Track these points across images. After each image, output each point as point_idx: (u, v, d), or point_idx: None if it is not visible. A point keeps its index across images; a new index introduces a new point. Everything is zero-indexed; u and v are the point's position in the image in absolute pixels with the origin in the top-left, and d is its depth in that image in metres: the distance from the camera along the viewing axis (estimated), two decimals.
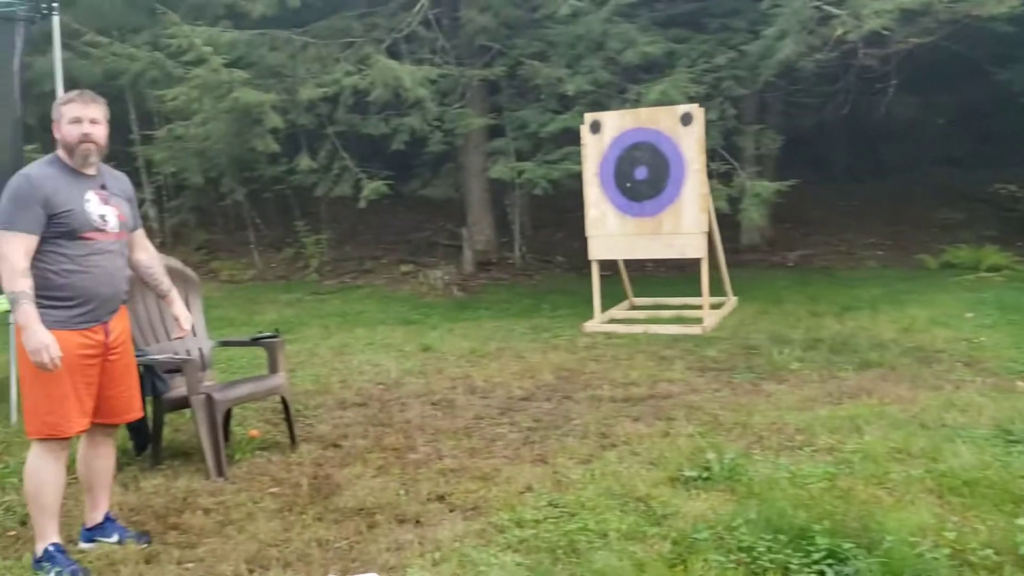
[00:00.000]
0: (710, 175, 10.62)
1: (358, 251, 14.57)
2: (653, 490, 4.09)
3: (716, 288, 9.70)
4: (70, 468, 3.76)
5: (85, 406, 3.57)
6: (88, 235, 3.51)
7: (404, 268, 13.44)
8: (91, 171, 3.60)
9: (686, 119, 8.64)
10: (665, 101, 10.08)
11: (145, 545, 3.73)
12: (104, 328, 3.61)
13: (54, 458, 3.54)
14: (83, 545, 3.78)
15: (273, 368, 5.17)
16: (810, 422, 5.14)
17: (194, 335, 5.15)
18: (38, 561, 3.51)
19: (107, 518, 3.84)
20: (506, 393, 6.26)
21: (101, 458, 3.81)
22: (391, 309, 11.16)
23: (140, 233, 3.91)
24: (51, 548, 3.53)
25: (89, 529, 3.82)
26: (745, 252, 13.65)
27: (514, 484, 4.26)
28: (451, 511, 3.99)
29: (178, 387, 4.81)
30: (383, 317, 10.58)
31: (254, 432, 5.39)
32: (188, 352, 5.03)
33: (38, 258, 3.44)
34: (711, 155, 11.05)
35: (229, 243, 15.13)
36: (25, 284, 3.36)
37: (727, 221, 11.84)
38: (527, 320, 9.76)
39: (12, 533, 3.92)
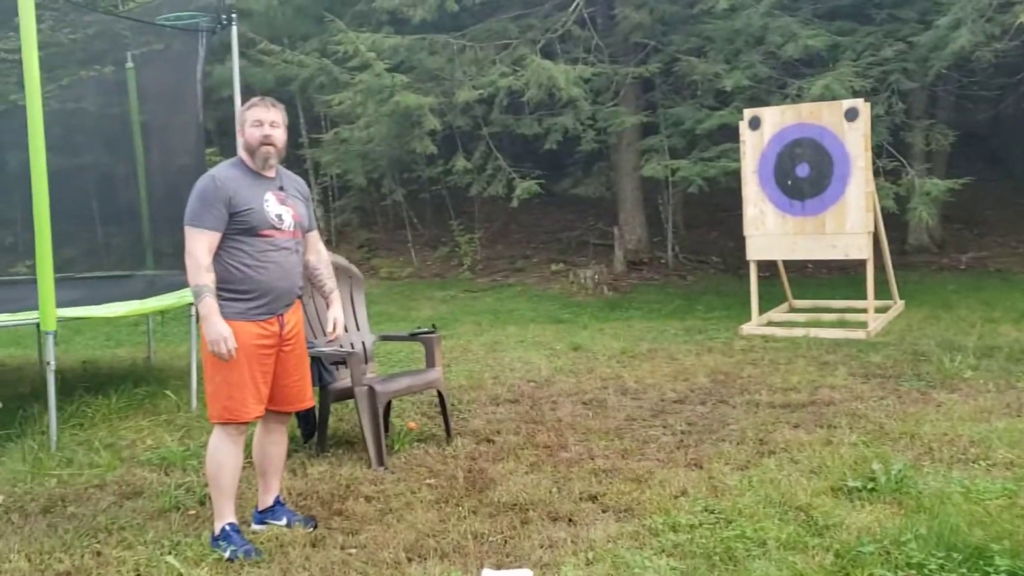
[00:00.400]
0: (876, 172, 10.17)
1: (510, 250, 14.76)
2: (814, 500, 3.95)
3: (881, 291, 9.26)
4: (246, 452, 3.99)
5: (261, 393, 3.77)
6: (265, 232, 3.71)
7: (555, 267, 13.52)
8: (270, 173, 3.81)
9: (851, 114, 8.28)
10: (828, 96, 9.70)
11: (311, 529, 3.91)
12: (279, 320, 3.80)
13: (232, 442, 3.76)
14: (255, 527, 4.00)
15: (430, 363, 5.30)
16: (986, 434, 4.83)
17: (358, 330, 5.36)
18: (216, 539, 3.74)
19: (277, 502, 4.04)
20: (659, 395, 6.18)
21: (274, 444, 4.01)
22: (542, 307, 11.25)
23: (314, 234, 4.10)
24: (227, 527, 3.74)
25: (261, 512, 4.03)
26: (913, 253, 12.96)
27: (668, 487, 4.21)
28: (604, 511, 3.98)
29: (343, 378, 5.01)
30: (534, 315, 10.67)
31: (412, 424, 5.55)
32: (352, 345, 5.23)
33: (219, 253, 3.67)
34: (877, 151, 10.57)
35: (388, 242, 15.65)
36: (208, 278, 3.59)
37: (894, 221, 11.28)
38: (680, 321, 9.62)
39: (192, 512, 4.19)
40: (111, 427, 5.77)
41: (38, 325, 5.27)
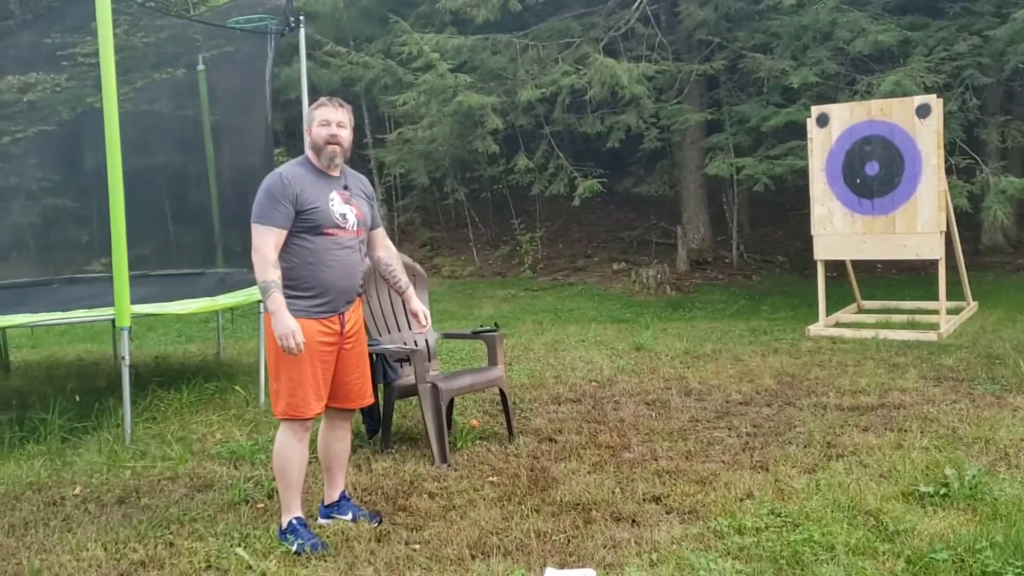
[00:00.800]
0: (949, 170, 9.91)
1: (570, 249, 14.73)
2: (884, 505, 3.86)
3: (954, 292, 9.02)
4: (311, 448, 4.05)
5: (322, 391, 3.82)
6: (330, 231, 3.75)
7: (616, 266, 13.45)
8: (335, 172, 3.86)
9: (923, 111, 8.07)
10: (899, 92, 9.48)
11: (376, 524, 3.96)
12: (341, 318, 3.85)
13: (297, 438, 3.82)
14: (321, 521, 4.06)
15: (493, 361, 5.32)
16: None
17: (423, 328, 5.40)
18: (283, 532, 3.81)
19: (343, 496, 4.10)
20: (723, 396, 6.11)
21: (338, 440, 4.06)
22: (603, 307, 11.21)
23: (380, 232, 4.14)
24: (294, 521, 3.81)
25: (327, 506, 4.09)
26: (987, 253, 12.60)
27: (733, 490, 4.16)
28: (668, 513, 3.95)
29: (407, 376, 5.06)
30: (595, 315, 10.64)
31: (474, 422, 5.58)
32: (416, 343, 5.28)
33: (284, 251, 3.72)
34: (950, 149, 10.30)
35: (450, 241, 15.76)
36: (275, 274, 3.65)
37: (967, 220, 10.99)
38: (745, 322, 9.49)
39: (260, 505, 4.28)
40: (182, 421, 5.91)
41: (113, 321, 5.43)
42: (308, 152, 3.87)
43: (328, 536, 3.83)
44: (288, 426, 3.80)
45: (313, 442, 4.08)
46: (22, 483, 4.74)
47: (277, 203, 3.66)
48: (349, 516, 4.03)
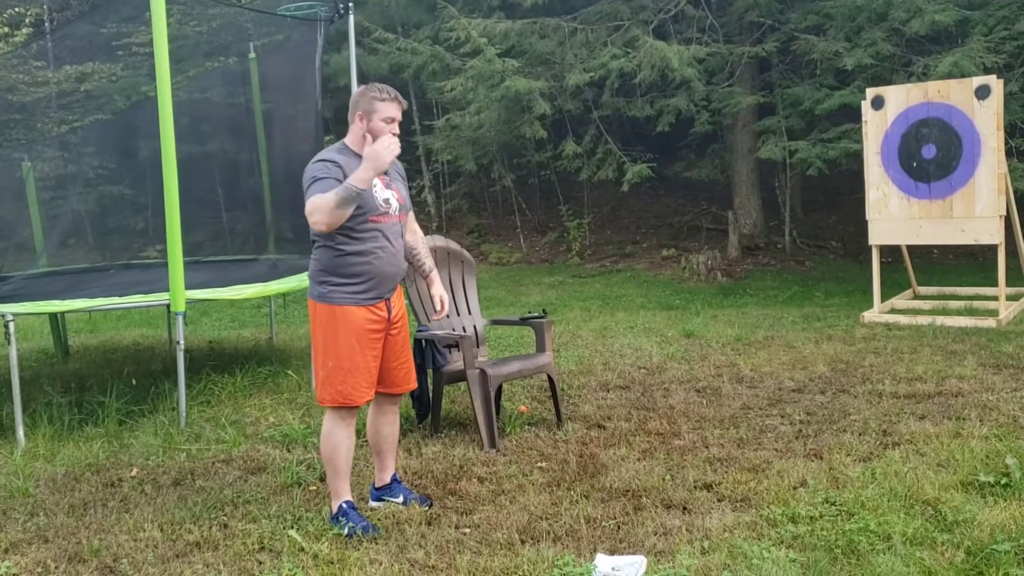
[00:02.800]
0: (1009, 153, 9.64)
1: (619, 235, 14.64)
2: (943, 494, 3.78)
3: (1013, 278, 8.78)
4: (359, 433, 4.09)
5: (372, 377, 3.84)
6: (375, 218, 3.74)
7: (665, 252, 13.34)
8: None
9: (982, 92, 7.85)
10: (957, 73, 9.23)
11: (427, 507, 3.99)
12: (387, 304, 3.85)
13: (345, 424, 3.84)
14: (372, 503, 4.10)
15: (541, 347, 5.31)
16: None
17: (469, 313, 5.41)
18: (334, 516, 3.85)
19: (394, 480, 4.13)
20: (776, 384, 6.03)
21: (388, 424, 4.08)
22: (652, 293, 11.13)
23: (410, 214, 4.11)
24: (344, 505, 3.84)
25: (378, 489, 4.13)
26: None
27: (787, 478, 4.10)
28: (719, 500, 3.91)
29: (455, 361, 5.07)
30: (644, 301, 10.57)
31: (523, 408, 5.58)
32: (464, 329, 5.29)
33: (331, 241, 3.72)
34: (1011, 131, 10.01)
35: (497, 227, 15.76)
36: (336, 191, 3.50)
37: None
38: (797, 308, 9.36)
39: (313, 488, 4.33)
40: (236, 405, 6.00)
41: (168, 306, 5.52)
42: (348, 138, 3.82)
43: (378, 519, 3.86)
44: (336, 413, 3.82)
45: (361, 427, 4.11)
46: (81, 464, 4.85)
47: (324, 179, 3.60)
48: (400, 499, 4.06)
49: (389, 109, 3.73)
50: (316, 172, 3.65)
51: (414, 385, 4.17)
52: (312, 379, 6.35)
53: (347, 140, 3.83)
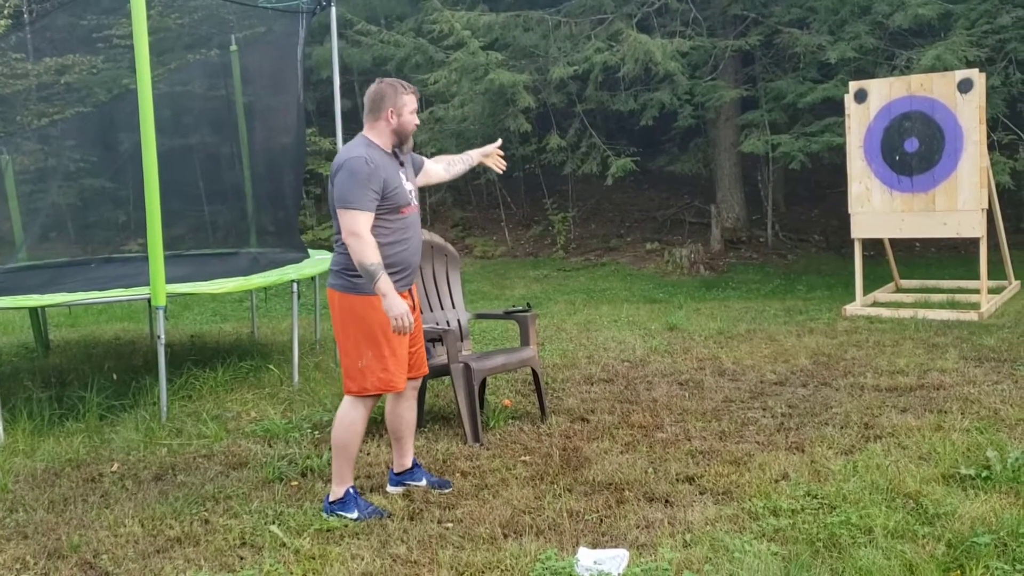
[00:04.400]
0: (991, 147, 9.70)
1: (603, 229, 14.65)
2: (924, 487, 3.80)
3: (995, 271, 8.84)
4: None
5: (407, 363, 3.94)
6: (405, 210, 3.85)
7: (649, 246, 13.35)
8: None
9: (964, 86, 7.89)
10: (940, 67, 9.27)
11: (448, 490, 4.07)
12: (411, 292, 3.99)
13: (366, 412, 3.89)
14: (390, 488, 4.14)
15: (525, 341, 5.30)
16: None
17: (453, 307, 5.40)
18: (339, 502, 3.84)
19: (415, 464, 4.19)
20: (758, 376, 6.05)
21: (408, 410, 4.15)
22: (636, 287, 11.14)
23: (428, 162, 4.29)
24: (351, 491, 3.88)
25: (398, 474, 4.17)
26: None
27: (768, 471, 4.11)
28: (701, 493, 3.92)
29: (439, 355, 5.06)
30: (627, 295, 10.58)
31: (507, 401, 5.57)
32: (448, 323, 5.28)
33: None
34: (993, 125, 10.08)
35: (482, 221, 15.73)
36: (378, 256, 3.66)
37: (1010, 197, 10.77)
38: (780, 301, 9.39)
39: (294, 483, 4.30)
40: (217, 399, 5.97)
41: (149, 300, 5.48)
42: (371, 133, 3.86)
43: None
44: (360, 401, 3.86)
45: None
46: (61, 460, 4.81)
47: (367, 188, 3.69)
48: (423, 482, 4.14)
49: (413, 101, 3.92)
50: (362, 174, 3.69)
51: (427, 370, 4.26)
52: (294, 373, 6.35)
53: (370, 135, 3.88)
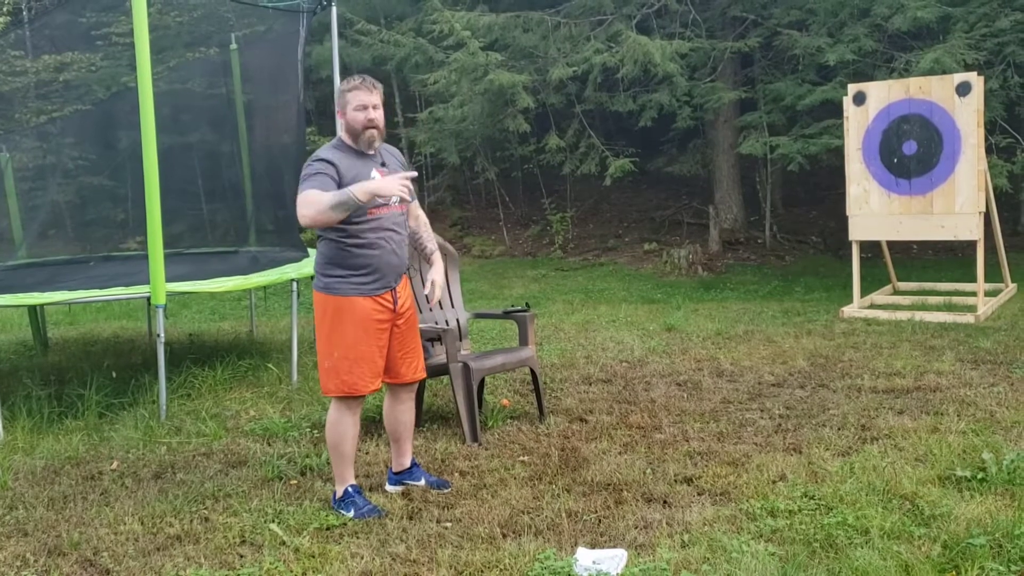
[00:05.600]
0: (989, 150, 9.72)
1: (601, 229, 14.67)
2: (920, 488, 3.82)
3: (992, 274, 8.87)
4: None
5: (378, 367, 3.88)
6: (374, 210, 3.77)
7: (647, 246, 13.37)
8: (371, 151, 3.88)
9: (963, 89, 7.91)
10: (938, 70, 9.29)
11: (446, 490, 4.08)
12: (392, 295, 3.90)
13: (351, 413, 3.89)
14: (389, 488, 4.15)
15: (524, 341, 5.32)
16: None
17: (452, 307, 5.41)
18: (340, 501, 3.89)
19: (414, 464, 4.20)
20: (756, 378, 6.07)
21: (405, 412, 4.15)
22: (634, 287, 11.16)
23: (415, 203, 4.14)
24: (350, 489, 3.91)
25: (397, 473, 4.18)
26: None
27: (766, 472, 4.13)
28: (699, 494, 3.93)
29: (438, 355, 5.07)
30: (626, 295, 10.60)
31: (505, 401, 5.59)
32: (447, 322, 5.29)
33: (333, 233, 3.75)
34: (991, 128, 10.10)
35: (481, 220, 15.74)
36: (327, 194, 3.55)
37: (1008, 201, 10.80)
38: (778, 303, 9.41)
39: (293, 482, 4.32)
40: (216, 398, 5.98)
41: (149, 299, 5.49)
42: (342, 134, 3.87)
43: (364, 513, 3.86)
44: (342, 402, 3.87)
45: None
46: (61, 457, 4.82)
47: (318, 175, 3.65)
48: (422, 482, 4.14)
49: (358, 97, 3.76)
50: (312, 169, 3.70)
51: (423, 375, 4.21)
52: (293, 372, 6.36)
53: (341, 135, 3.88)
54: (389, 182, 3.61)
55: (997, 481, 3.84)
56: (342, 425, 3.88)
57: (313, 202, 3.55)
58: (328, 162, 3.71)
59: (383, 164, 3.87)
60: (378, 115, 3.79)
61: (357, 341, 3.78)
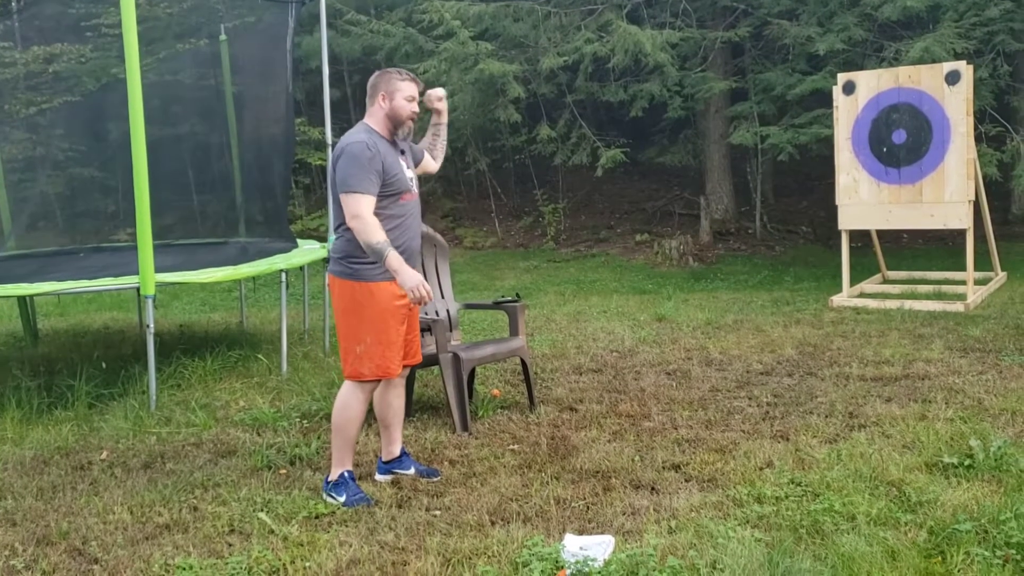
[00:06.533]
0: (979, 138, 9.75)
1: (593, 220, 14.67)
2: (907, 475, 3.84)
3: (982, 262, 8.91)
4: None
5: (403, 350, 3.96)
6: (405, 197, 3.88)
7: (639, 237, 13.39)
8: (402, 142, 3.98)
9: (952, 78, 7.93)
10: (928, 59, 9.31)
11: (436, 479, 4.09)
12: None
13: (365, 397, 3.92)
14: (379, 476, 4.17)
15: (514, 331, 5.32)
16: None
17: (442, 298, 5.41)
18: (333, 484, 3.90)
19: (403, 452, 4.22)
20: (744, 366, 6.09)
21: (397, 397, 4.17)
22: (625, 278, 11.18)
23: (425, 156, 4.27)
24: (347, 474, 3.93)
25: (387, 462, 4.19)
26: (1017, 223, 12.42)
27: (753, 459, 4.15)
28: (687, 481, 3.95)
29: (428, 345, 5.07)
30: (617, 286, 10.62)
31: (496, 391, 5.60)
32: (437, 313, 5.29)
33: None
34: (980, 117, 10.13)
35: (472, 211, 15.73)
36: (383, 235, 3.69)
37: (997, 189, 10.84)
38: (767, 292, 9.44)
39: (283, 471, 4.32)
40: (206, 388, 5.98)
41: (138, 290, 5.47)
42: (371, 120, 3.91)
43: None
44: (359, 386, 3.90)
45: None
46: (50, 448, 4.82)
47: (368, 171, 3.72)
48: (412, 471, 4.16)
49: (409, 88, 3.89)
50: (363, 158, 3.73)
51: (420, 358, 4.24)
52: (282, 362, 6.36)
53: (369, 122, 3.92)
54: (417, 289, 3.66)
55: (984, 468, 3.86)
56: (353, 409, 3.91)
57: (365, 226, 3.67)
58: (374, 152, 3.74)
59: (402, 152, 3.97)
60: (416, 110, 3.93)
61: (388, 326, 3.84)
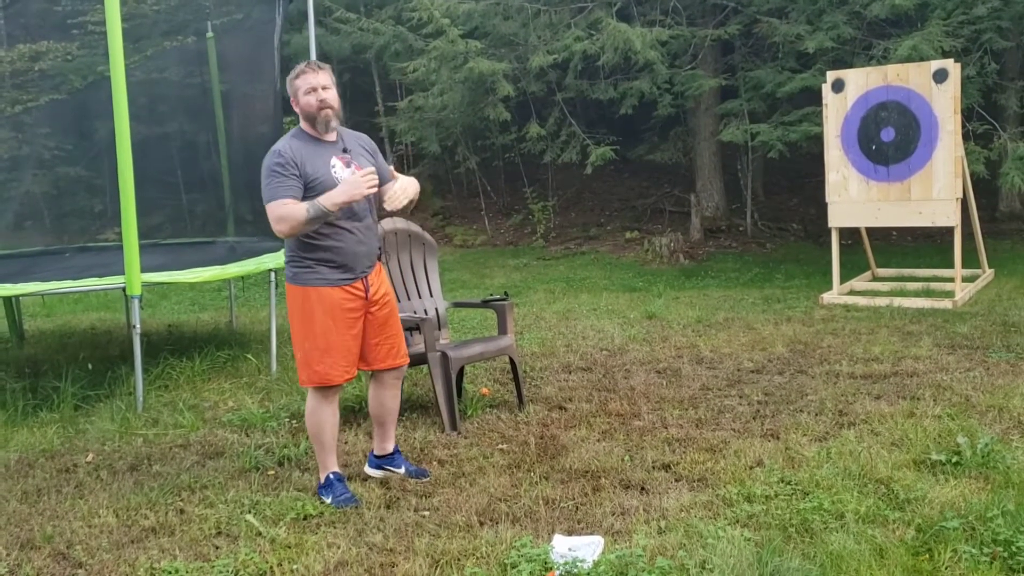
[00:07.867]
0: (966, 136, 9.77)
1: (583, 217, 14.66)
2: (895, 473, 3.84)
3: (970, 260, 8.93)
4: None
5: (351, 357, 3.86)
6: None
7: (629, 235, 13.38)
8: (331, 137, 3.84)
9: (940, 76, 7.94)
10: (916, 57, 9.31)
11: (425, 479, 4.07)
12: (364, 283, 3.87)
13: (328, 402, 3.89)
14: (368, 470, 4.17)
15: (503, 329, 5.31)
16: None
17: (431, 296, 5.39)
18: (322, 486, 3.91)
19: (396, 451, 4.20)
20: (735, 365, 6.09)
21: (390, 398, 4.14)
22: (615, 276, 11.16)
23: (389, 177, 3.97)
24: (331, 476, 3.92)
25: (379, 457, 4.18)
26: (1004, 221, 12.45)
27: (743, 458, 4.15)
28: (677, 480, 3.94)
29: (416, 344, 5.05)
30: (607, 283, 10.60)
31: (485, 390, 5.58)
32: (426, 312, 5.27)
33: None
34: (968, 115, 10.14)
35: (462, 209, 15.70)
36: (304, 206, 3.58)
37: (984, 187, 10.85)
38: (758, 290, 9.44)
39: (271, 472, 4.30)
40: (194, 389, 5.94)
41: (124, 290, 5.44)
42: (301, 123, 3.85)
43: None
44: (318, 392, 3.86)
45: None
46: (35, 450, 4.78)
47: (283, 177, 3.65)
48: (402, 470, 4.15)
49: (306, 80, 3.76)
50: (273, 168, 3.67)
51: (404, 360, 4.13)
52: (272, 362, 6.33)
53: (301, 124, 3.86)
54: (355, 186, 3.61)
55: (971, 465, 3.87)
56: (320, 415, 3.88)
57: (288, 218, 3.60)
58: (285, 158, 3.65)
59: (345, 150, 3.83)
60: (329, 95, 3.75)
61: (327, 331, 3.77)
